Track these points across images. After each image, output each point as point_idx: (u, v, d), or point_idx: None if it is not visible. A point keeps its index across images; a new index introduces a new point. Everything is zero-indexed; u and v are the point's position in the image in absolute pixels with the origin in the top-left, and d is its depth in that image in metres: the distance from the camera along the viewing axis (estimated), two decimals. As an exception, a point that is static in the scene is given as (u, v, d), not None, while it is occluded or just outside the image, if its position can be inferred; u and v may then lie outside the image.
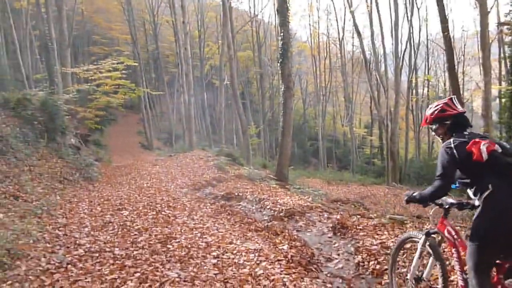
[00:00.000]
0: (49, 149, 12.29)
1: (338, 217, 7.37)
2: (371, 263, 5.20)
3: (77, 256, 5.55)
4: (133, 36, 30.82)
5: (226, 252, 5.61)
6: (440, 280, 3.40)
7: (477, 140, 3.02)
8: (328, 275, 5.15)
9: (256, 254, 5.50)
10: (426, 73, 34.54)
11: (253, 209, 8.88)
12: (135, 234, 6.78)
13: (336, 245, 6.17)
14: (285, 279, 4.62)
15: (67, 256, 5.49)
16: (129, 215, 8.26)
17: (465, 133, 3.24)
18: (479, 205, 2.99)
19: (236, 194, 10.24)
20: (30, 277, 4.62)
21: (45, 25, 18.04)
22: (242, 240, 6.28)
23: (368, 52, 31.93)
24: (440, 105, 3.44)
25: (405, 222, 6.59)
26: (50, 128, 12.78)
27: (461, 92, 20.69)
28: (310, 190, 13.16)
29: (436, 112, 3.45)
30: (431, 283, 3.64)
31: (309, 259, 5.48)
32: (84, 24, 37.68)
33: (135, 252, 5.75)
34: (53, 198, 8.98)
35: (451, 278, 3.83)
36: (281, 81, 14.71)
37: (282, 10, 14.03)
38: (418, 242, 3.72)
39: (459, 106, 3.39)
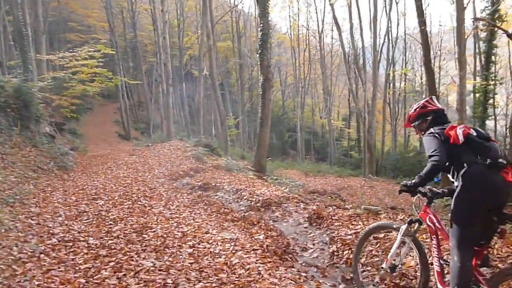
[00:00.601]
0: (23, 137, 12.02)
1: (314, 207, 7.44)
2: (345, 252, 5.28)
3: (50, 246, 5.47)
4: (110, 24, 30.25)
5: (202, 242, 5.62)
6: (420, 269, 3.63)
7: (454, 125, 3.32)
8: (303, 264, 5.22)
9: (232, 244, 5.52)
10: (404, 66, 35.00)
11: (230, 199, 8.90)
12: (110, 224, 6.72)
13: (312, 235, 6.24)
14: (260, 268, 4.65)
15: (40, 245, 5.42)
16: (104, 204, 8.18)
17: (443, 127, 3.42)
18: (457, 186, 3.18)
19: (214, 184, 10.24)
20: (2, 266, 4.54)
21: (19, 10, 17.54)
22: (218, 230, 6.29)
23: (347, 45, 32.15)
24: (422, 102, 3.74)
25: (379, 212, 6.70)
26: (24, 116, 12.49)
27: (437, 86, 21.05)
28: (288, 181, 13.25)
29: (418, 108, 3.72)
30: (403, 270, 3.86)
31: (284, 248, 5.53)
32: (60, 10, 36.78)
33: (110, 242, 5.71)
34: (26, 187, 8.81)
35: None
36: (260, 72, 14.68)
37: (262, 0, 13.98)
38: (391, 231, 3.96)
39: (438, 104, 3.68)
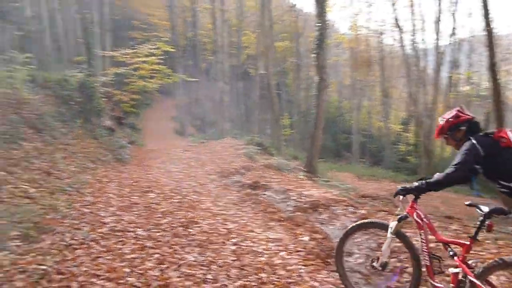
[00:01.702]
0: (84, 129, 12.61)
1: (364, 212, 7.24)
2: (392, 260, 5.09)
3: (100, 234, 5.68)
4: (172, 23, 31.09)
5: (246, 240, 5.62)
6: (413, 266, 3.78)
7: (502, 129, 3.27)
8: (347, 269, 5.08)
9: (276, 244, 5.49)
10: (468, 69, 33.41)
11: (277, 199, 8.85)
12: (159, 217, 6.88)
13: (359, 240, 6.07)
14: (301, 270, 4.60)
15: (91, 233, 5.64)
16: (155, 197, 8.39)
17: (481, 134, 3.41)
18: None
19: (263, 183, 10.23)
20: (54, 251, 4.76)
21: (87, 10, 18.45)
22: (263, 229, 6.28)
23: (408, 47, 31.14)
24: (454, 112, 3.62)
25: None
26: (86, 109, 13.12)
27: (503, 91, 19.90)
28: (338, 183, 13.00)
29: (451, 119, 3.61)
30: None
31: (329, 252, 5.42)
32: (125, 9, 38.26)
33: (157, 234, 5.84)
34: (84, 177, 9.21)
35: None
36: (315, 73, 14.53)
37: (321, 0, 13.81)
38: (379, 229, 4.19)
39: (470, 114, 3.59)
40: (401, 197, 3.77)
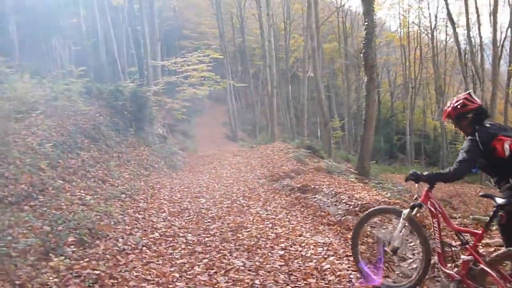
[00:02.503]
0: (137, 138, 13.02)
1: (418, 215, 6.97)
2: (448, 265, 4.86)
3: (152, 239, 5.82)
4: (220, 30, 31.61)
5: (294, 245, 5.55)
6: (423, 252, 4.04)
7: (501, 137, 3.36)
8: (400, 275, 4.90)
9: (325, 248, 5.38)
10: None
11: (328, 202, 8.70)
12: (209, 222, 6.97)
13: (412, 244, 5.83)
14: (351, 276, 4.47)
15: (143, 238, 5.79)
16: (205, 203, 8.51)
17: (487, 125, 3.56)
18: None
19: (313, 186, 10.10)
20: (107, 256, 4.92)
21: (138, 21, 19.08)
22: (312, 233, 6.18)
23: (463, 42, 29.82)
24: (461, 101, 3.67)
25: (492, 223, 6.06)
26: (139, 118, 13.53)
27: None
28: (392, 186, 12.62)
29: (458, 107, 3.68)
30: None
31: (380, 257, 5.24)
32: (175, 19, 39.31)
33: (206, 239, 5.91)
34: (138, 184, 9.50)
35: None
36: (364, 73, 14.22)
37: (367, -2, 13.51)
38: (392, 216, 4.50)
39: (478, 100, 3.67)
40: (416, 184, 3.96)
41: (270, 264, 4.79)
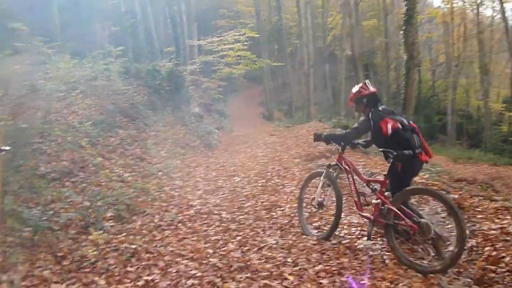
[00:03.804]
0: (174, 117, 13.20)
1: (456, 196, 6.80)
2: (486, 248, 4.73)
3: (187, 216, 5.94)
4: (256, 8, 31.31)
5: (328, 224, 5.53)
6: (336, 200, 4.95)
7: (387, 119, 4.35)
8: (436, 256, 4.82)
9: (359, 229, 5.34)
10: None
11: (362, 182, 8.60)
12: (243, 200, 7.03)
13: (450, 226, 5.70)
14: (385, 257, 4.42)
15: (178, 215, 5.92)
16: (240, 181, 8.58)
17: (380, 108, 4.52)
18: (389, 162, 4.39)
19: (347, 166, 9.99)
20: (144, 231, 5.07)
21: (175, 1, 19.16)
22: (346, 213, 6.12)
23: (511, 18, 28.40)
24: (358, 88, 4.74)
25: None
26: (176, 97, 13.71)
27: None
28: (430, 166, 12.33)
29: (355, 93, 4.75)
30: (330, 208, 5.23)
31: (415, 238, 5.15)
32: (211, -2, 39.23)
33: (240, 217, 5.97)
34: (174, 162, 9.67)
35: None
36: (404, 50, 13.79)
37: (408, -27, 13.01)
38: (318, 177, 5.22)
39: (371, 88, 4.68)
40: (329, 146, 5.11)
41: (303, 243, 4.79)
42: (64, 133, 6.98)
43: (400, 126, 4.32)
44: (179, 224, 5.54)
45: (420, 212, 4.53)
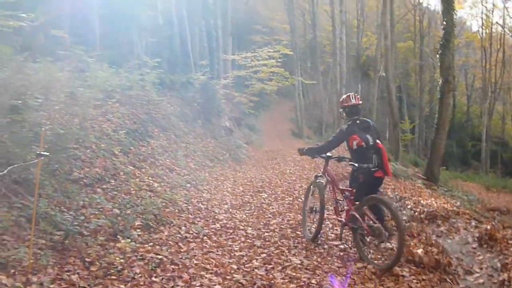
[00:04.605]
0: (205, 129, 13.36)
1: (488, 227, 6.59)
2: (339, 214, 5.50)
3: (213, 230, 5.97)
4: (291, 25, 31.54)
5: (355, 247, 5.45)
6: (320, 207, 5.51)
7: (355, 136, 5.02)
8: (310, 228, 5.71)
9: (386, 254, 5.24)
10: None
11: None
12: (269, 217, 7.03)
13: (480, 257, 5.54)
14: (411, 284, 4.33)
15: (204, 228, 5.95)
16: (267, 198, 8.58)
17: (357, 122, 5.18)
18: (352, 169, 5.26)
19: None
20: (170, 242, 5.11)
21: (212, 15, 19.48)
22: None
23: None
24: (344, 98, 5.47)
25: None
26: (207, 110, 13.88)
27: None
28: (462, 194, 12.03)
29: (339, 102, 5.57)
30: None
31: (444, 268, 5.02)
32: (247, 13, 39.70)
33: (265, 234, 5.97)
34: (202, 174, 9.76)
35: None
36: (440, 74, 13.61)
37: (447, -4, 12.89)
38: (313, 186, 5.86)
39: (353, 101, 5.29)
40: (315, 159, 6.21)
41: (328, 265, 4.75)
42: (98, 140, 7.13)
43: (364, 144, 4.97)
44: (205, 237, 5.57)
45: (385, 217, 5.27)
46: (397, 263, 4.56)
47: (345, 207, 5.25)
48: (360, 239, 4.99)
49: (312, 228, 5.75)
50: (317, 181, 5.71)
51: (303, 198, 8.47)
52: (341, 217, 5.39)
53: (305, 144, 22.58)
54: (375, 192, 5.12)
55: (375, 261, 4.83)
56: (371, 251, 5.12)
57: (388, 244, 4.96)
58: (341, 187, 5.54)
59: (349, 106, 5.27)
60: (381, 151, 5.03)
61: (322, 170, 5.77)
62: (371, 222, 4.82)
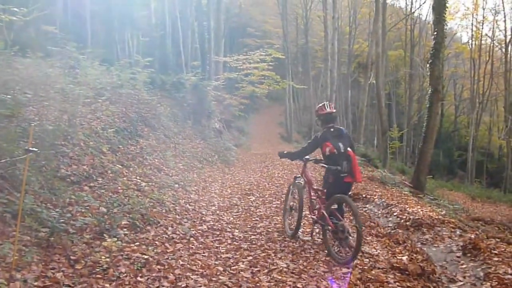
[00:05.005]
0: (194, 130, 13.33)
1: (472, 236, 6.68)
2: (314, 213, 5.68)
3: (200, 231, 5.96)
4: (284, 30, 31.67)
5: (341, 252, 5.48)
6: (298, 206, 5.96)
7: (327, 143, 5.34)
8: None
9: (371, 260, 5.28)
10: None
11: (378, 213, 8.52)
12: (256, 220, 7.04)
13: (464, 266, 5.60)
14: (395, 289, 4.36)
15: (191, 229, 5.94)
16: (255, 200, 8.59)
17: (331, 129, 5.45)
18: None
19: (364, 195, 9.93)
20: (156, 242, 5.09)
21: (205, 17, 19.48)
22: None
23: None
24: (319, 106, 5.77)
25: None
26: (197, 111, 13.86)
27: None
28: (447, 203, 12.15)
29: (315, 111, 5.93)
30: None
31: (429, 275, 5.07)
32: (240, 16, 39.79)
33: (252, 237, 5.97)
34: (191, 175, 9.73)
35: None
36: (429, 83, 13.76)
37: (439, 7, 13.05)
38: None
39: (327, 109, 5.58)
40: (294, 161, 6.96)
41: (314, 269, 4.76)
42: (87, 137, 7.09)
43: (335, 151, 5.26)
44: (191, 239, 5.55)
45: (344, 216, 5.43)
46: (356, 256, 4.87)
47: (317, 206, 5.64)
48: (328, 236, 5.34)
49: (292, 226, 6.10)
50: (296, 181, 6.12)
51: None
52: (314, 215, 5.74)
53: (293, 148, 22.64)
54: (345, 194, 5.32)
55: (339, 256, 5.10)
56: (336, 247, 5.29)
57: (351, 240, 5.07)
58: (315, 187, 5.87)
59: (324, 114, 5.57)
60: (351, 158, 5.26)
61: (300, 172, 6.16)
62: (336, 219, 5.14)
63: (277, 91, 29.19)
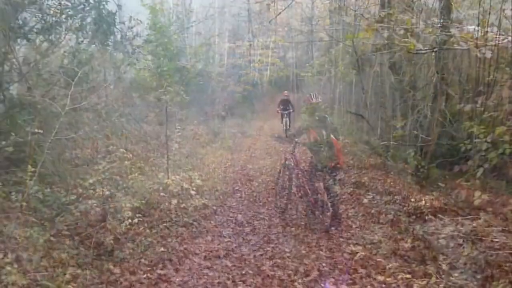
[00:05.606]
0: (197, 116, 13.31)
1: (474, 224, 6.68)
2: (501, 280, 4.66)
3: (203, 215, 6.00)
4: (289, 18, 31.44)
5: (342, 237, 5.53)
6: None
7: (311, 130, 5.85)
8: (448, 283, 4.76)
9: (373, 246, 5.31)
10: None
11: (381, 201, 8.52)
12: (259, 205, 7.06)
13: (465, 254, 5.62)
14: (399, 277, 4.40)
15: (194, 213, 5.97)
16: (258, 186, 8.61)
17: (316, 118, 5.95)
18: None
19: (367, 183, 9.91)
20: (160, 226, 5.14)
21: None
22: (362, 230, 6.11)
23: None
24: (305, 97, 6.68)
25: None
26: (202, 97, 13.83)
27: None
28: (450, 191, 12.12)
29: (304, 101, 6.88)
30: None
31: (430, 262, 5.10)
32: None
33: (255, 222, 6.01)
34: (194, 161, 9.76)
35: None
36: (434, 71, 13.64)
37: (446, -5, 12.88)
38: None
39: (314, 100, 6.11)
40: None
41: (315, 254, 4.80)
42: (92, 121, 7.11)
43: (318, 138, 5.72)
44: (195, 223, 5.60)
45: None
46: (333, 225, 5.61)
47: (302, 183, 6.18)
48: (309, 209, 5.94)
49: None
50: (287, 162, 6.93)
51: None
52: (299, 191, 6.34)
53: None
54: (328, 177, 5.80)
55: (318, 226, 5.67)
56: (316, 218, 5.79)
57: (328, 212, 5.61)
58: (301, 167, 6.58)
59: (310, 104, 6.10)
60: (333, 144, 5.73)
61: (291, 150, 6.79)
62: (318, 195, 5.75)
63: (281, 78, 29.04)
